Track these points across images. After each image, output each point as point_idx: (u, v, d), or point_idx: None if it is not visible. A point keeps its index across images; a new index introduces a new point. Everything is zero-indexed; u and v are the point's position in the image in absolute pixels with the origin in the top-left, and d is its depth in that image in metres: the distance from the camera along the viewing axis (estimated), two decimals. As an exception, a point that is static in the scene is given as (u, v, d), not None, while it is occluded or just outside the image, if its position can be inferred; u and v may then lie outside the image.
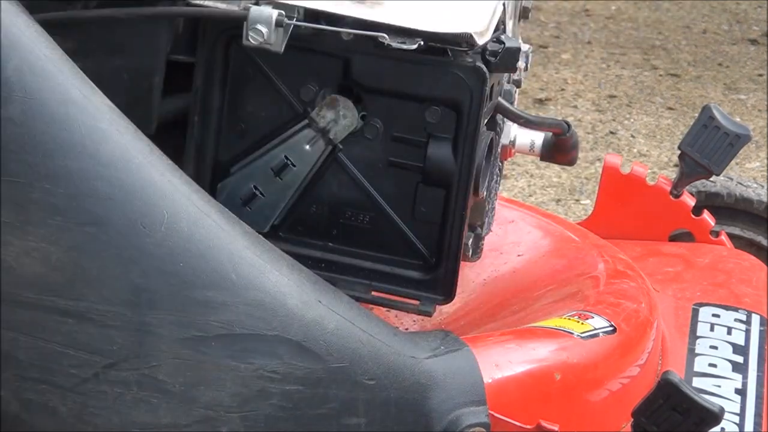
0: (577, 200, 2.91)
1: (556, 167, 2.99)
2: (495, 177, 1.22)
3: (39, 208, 0.78)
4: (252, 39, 0.98)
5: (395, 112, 1.04)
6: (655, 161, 3.10)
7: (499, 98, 1.13)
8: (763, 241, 1.72)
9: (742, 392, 1.26)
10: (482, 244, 1.20)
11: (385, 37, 0.97)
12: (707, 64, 3.81)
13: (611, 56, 3.83)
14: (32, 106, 0.82)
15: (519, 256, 1.41)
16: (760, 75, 3.72)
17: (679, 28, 4.13)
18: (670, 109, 3.46)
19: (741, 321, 1.40)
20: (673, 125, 3.35)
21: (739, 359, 1.32)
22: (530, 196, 2.91)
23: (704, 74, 3.72)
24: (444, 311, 1.31)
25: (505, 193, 2.88)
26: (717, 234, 1.62)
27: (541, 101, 3.44)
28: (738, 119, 3.15)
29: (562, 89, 3.54)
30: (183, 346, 0.78)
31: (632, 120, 3.37)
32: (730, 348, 1.34)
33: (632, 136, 3.27)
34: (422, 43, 0.97)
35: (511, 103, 1.17)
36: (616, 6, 4.32)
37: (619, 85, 3.61)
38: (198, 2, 1.01)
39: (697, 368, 1.30)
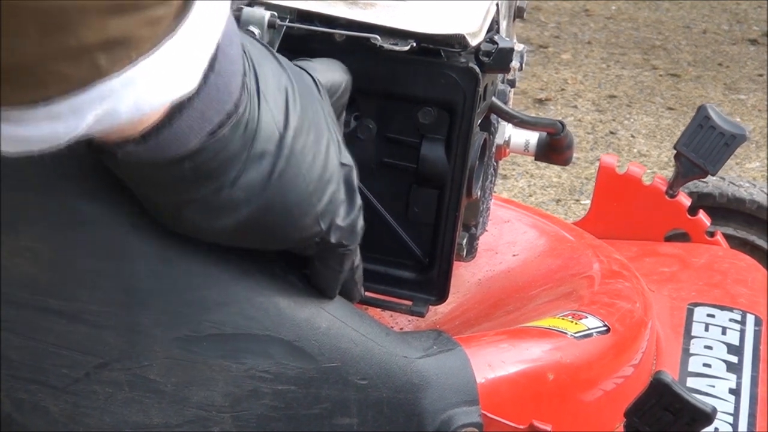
0: (577, 200, 2.91)
1: (556, 167, 2.99)
2: (489, 177, 1.22)
3: (31, 207, 0.78)
4: (245, 40, 0.98)
5: (388, 112, 1.03)
6: (655, 161, 3.11)
7: (493, 98, 1.13)
8: (757, 241, 1.72)
9: (736, 392, 1.26)
10: (477, 244, 1.20)
11: (377, 39, 0.97)
12: (707, 64, 3.81)
13: (611, 56, 3.84)
14: None
15: (514, 256, 1.41)
16: (760, 75, 3.73)
17: (679, 28, 4.13)
18: (670, 109, 3.46)
19: (736, 321, 1.40)
20: (673, 125, 3.35)
21: (734, 359, 1.32)
22: (530, 196, 2.92)
23: (704, 74, 3.73)
24: (439, 311, 1.31)
25: (505, 193, 2.88)
26: (713, 234, 1.62)
27: (541, 101, 3.44)
28: (738, 119, 3.15)
29: (562, 89, 3.54)
30: (175, 345, 0.78)
31: (632, 120, 3.38)
32: (725, 348, 1.34)
33: (632, 136, 3.27)
34: (415, 44, 0.97)
35: (506, 103, 1.17)
36: (616, 6, 4.32)
37: (619, 85, 3.61)
38: (191, 3, 1.01)
39: (691, 368, 1.30)
